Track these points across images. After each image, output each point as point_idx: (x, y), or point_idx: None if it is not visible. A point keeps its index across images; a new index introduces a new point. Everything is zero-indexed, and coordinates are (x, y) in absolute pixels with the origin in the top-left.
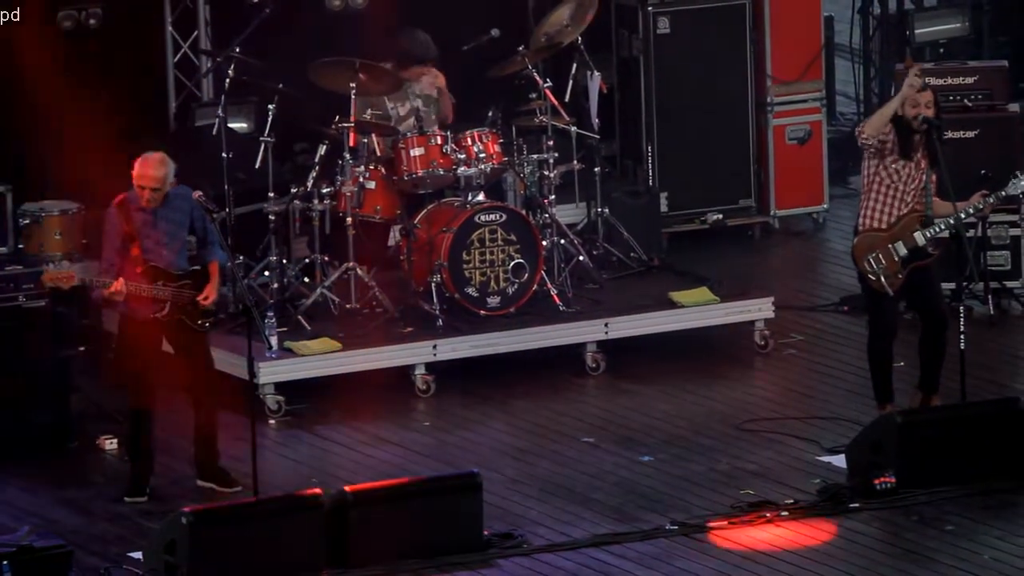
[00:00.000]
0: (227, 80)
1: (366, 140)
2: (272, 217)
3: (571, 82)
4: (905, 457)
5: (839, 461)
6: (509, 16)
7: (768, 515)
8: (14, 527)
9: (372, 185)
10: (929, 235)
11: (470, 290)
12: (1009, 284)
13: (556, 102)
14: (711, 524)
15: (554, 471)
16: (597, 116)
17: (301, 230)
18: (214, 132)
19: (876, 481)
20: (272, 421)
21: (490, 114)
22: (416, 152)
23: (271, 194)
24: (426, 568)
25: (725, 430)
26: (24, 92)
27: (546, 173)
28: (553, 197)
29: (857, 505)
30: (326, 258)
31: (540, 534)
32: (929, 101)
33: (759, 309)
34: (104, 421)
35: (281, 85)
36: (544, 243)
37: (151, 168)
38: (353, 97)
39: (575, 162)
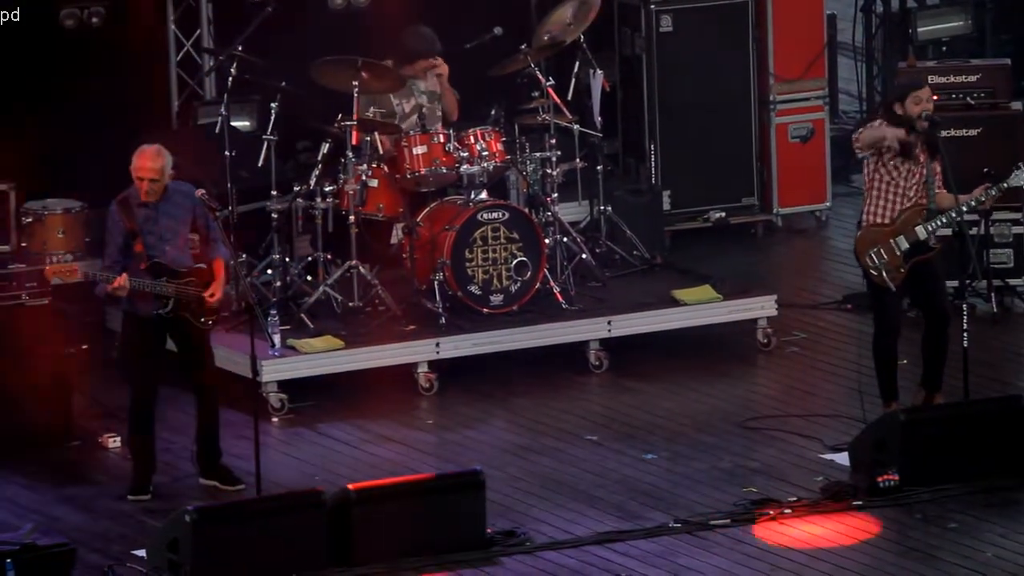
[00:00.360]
0: (230, 78)
1: (369, 138)
2: (275, 215)
3: (574, 80)
4: (908, 455)
5: (842, 459)
6: (511, 14)
7: (771, 512)
8: (17, 525)
9: (375, 183)
10: (931, 228)
11: (473, 288)
12: (1012, 282)
13: (559, 100)
14: (714, 522)
15: (557, 469)
16: (600, 114)
17: (304, 228)
18: (217, 130)
19: (879, 479)
20: (275, 419)
21: (493, 112)
22: (419, 150)
23: (274, 192)
24: (429, 566)
25: (728, 428)
26: (26, 90)
27: (549, 171)
28: (556, 195)
29: (860, 503)
30: (329, 256)
31: (543, 532)
32: (930, 96)
33: (762, 307)
34: (107, 419)
35: (284, 83)
36: (547, 241)
37: (148, 159)
38: (356, 95)
39: (578, 160)
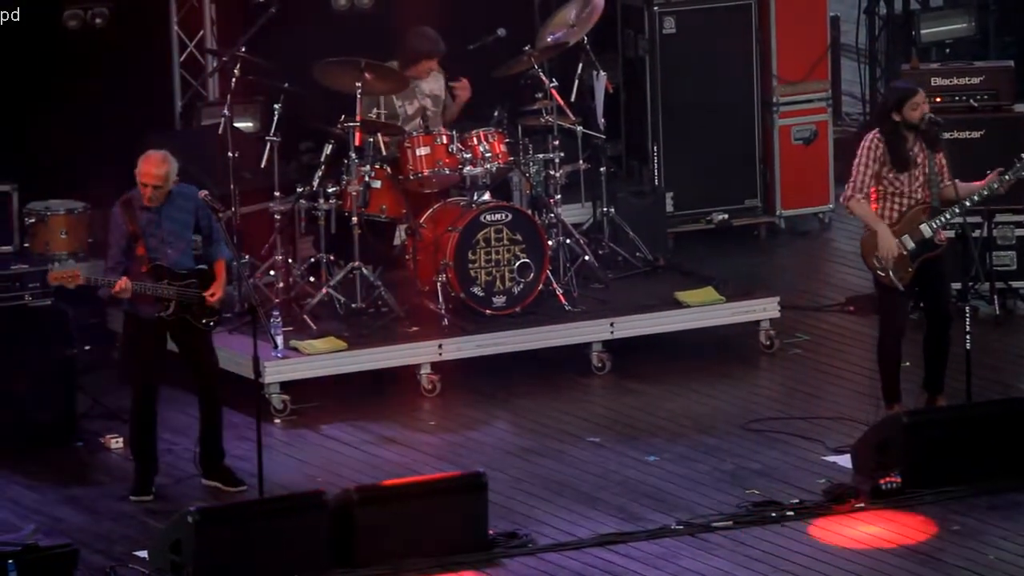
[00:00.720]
0: (233, 79)
1: (372, 139)
2: (278, 216)
3: (577, 82)
4: (911, 457)
5: (844, 461)
6: (515, 16)
7: (775, 515)
8: (19, 526)
9: (378, 184)
10: (935, 225)
11: (476, 289)
12: (1015, 284)
13: (562, 102)
14: (716, 524)
15: (559, 471)
16: (603, 116)
17: (307, 229)
18: (220, 131)
19: (882, 481)
20: (277, 420)
21: (496, 114)
22: (422, 151)
23: (277, 193)
24: (431, 568)
25: (730, 430)
26: (29, 90)
27: (552, 173)
28: (559, 197)
29: (862, 505)
30: (331, 257)
31: (545, 534)
32: (924, 98)
33: (764, 309)
34: (109, 420)
35: (287, 84)
36: (550, 243)
37: (153, 166)
38: (359, 96)
39: (581, 162)
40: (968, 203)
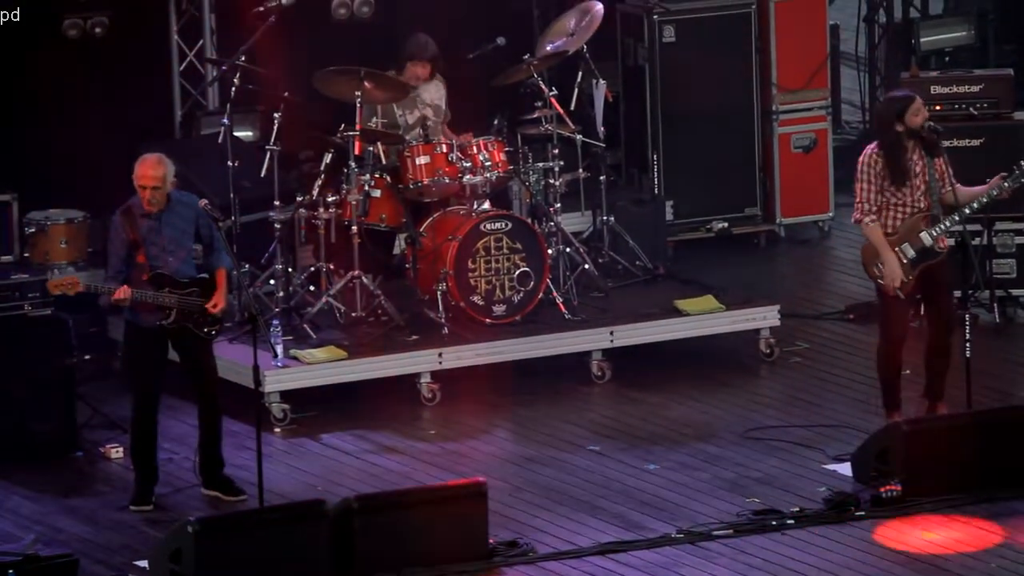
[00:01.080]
0: (232, 89)
1: (372, 148)
2: (278, 225)
3: (576, 90)
4: (911, 465)
5: (844, 469)
6: (514, 25)
7: (775, 523)
8: (19, 536)
9: (377, 193)
10: (935, 233)
11: (475, 298)
12: (1015, 292)
13: (562, 110)
14: (716, 532)
15: (560, 479)
16: (602, 124)
17: (307, 238)
18: (219, 141)
19: (882, 489)
20: (277, 429)
21: (495, 122)
22: (422, 160)
23: (276, 202)
24: None
25: (731, 438)
26: (29, 101)
27: (551, 181)
28: (559, 205)
29: (863, 513)
30: (331, 266)
31: (545, 542)
32: (922, 103)
33: (764, 317)
34: (109, 430)
35: (286, 94)
36: (550, 251)
37: (150, 168)
38: (359, 105)
39: (580, 170)
40: (969, 210)
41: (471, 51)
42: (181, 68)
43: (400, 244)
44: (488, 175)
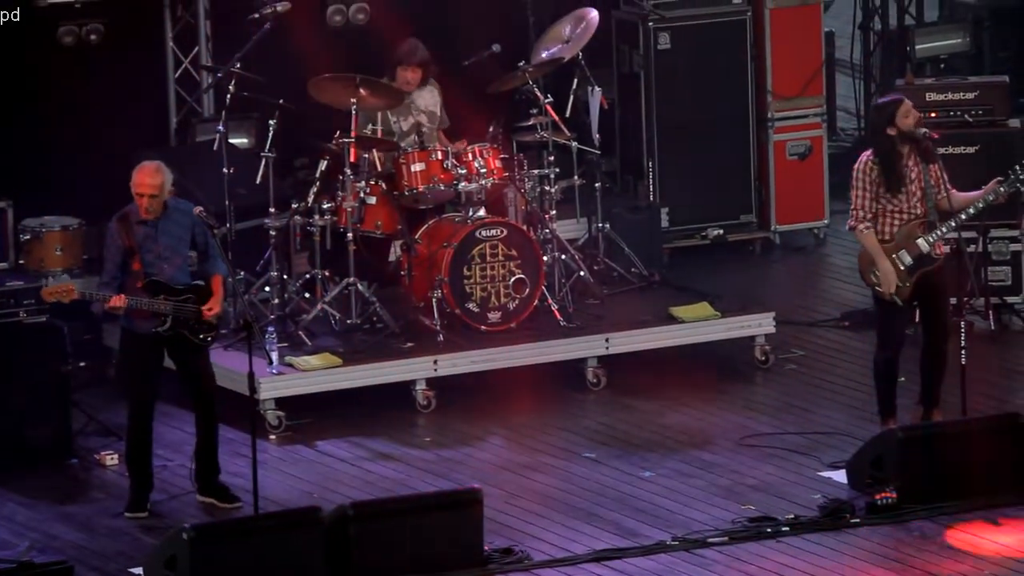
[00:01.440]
0: (228, 95)
1: (367, 155)
2: (273, 232)
3: (572, 97)
4: (906, 472)
5: (840, 476)
6: (510, 32)
7: (771, 530)
8: (14, 543)
9: (373, 200)
10: (932, 240)
11: (471, 305)
12: (1010, 299)
13: (557, 117)
14: (711, 540)
15: (555, 486)
16: (598, 131)
17: (302, 245)
18: (215, 148)
19: (877, 496)
20: (273, 436)
21: (491, 129)
22: (417, 167)
23: (272, 209)
24: None
25: (726, 445)
26: (24, 107)
27: (547, 188)
28: (554, 212)
29: (858, 520)
30: (327, 273)
31: (541, 549)
32: (911, 105)
33: (760, 324)
34: (104, 437)
35: (281, 101)
36: (545, 258)
37: (147, 175)
38: (354, 112)
39: (576, 177)
40: (964, 215)
41: (466, 58)
42: (176, 75)
43: (395, 251)
44: (483, 182)
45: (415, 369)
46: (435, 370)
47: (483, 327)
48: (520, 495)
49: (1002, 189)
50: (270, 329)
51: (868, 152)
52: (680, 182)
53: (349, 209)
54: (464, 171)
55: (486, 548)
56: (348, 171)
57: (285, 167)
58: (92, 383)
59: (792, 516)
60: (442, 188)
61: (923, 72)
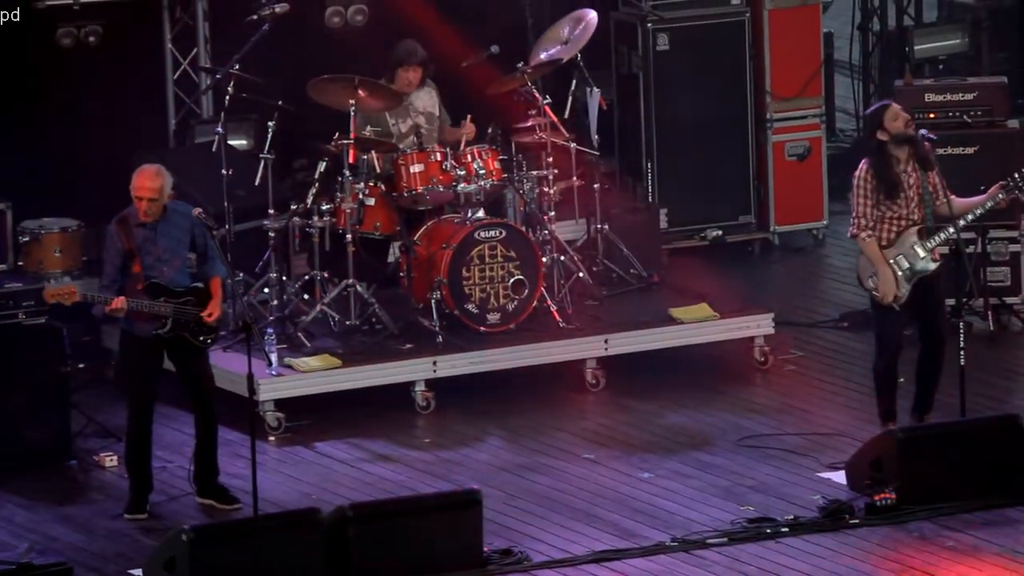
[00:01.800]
0: (227, 97)
1: (366, 157)
2: (272, 234)
3: (570, 99)
4: (905, 473)
5: (839, 477)
6: (508, 33)
7: (770, 531)
8: (13, 544)
9: (372, 202)
10: (930, 246)
11: (470, 306)
12: (1009, 300)
13: (556, 119)
14: (711, 540)
15: (554, 487)
16: (596, 133)
17: (301, 247)
18: (214, 149)
19: (876, 497)
20: (272, 438)
21: (490, 131)
22: (416, 169)
23: (271, 211)
24: None
25: (725, 446)
26: (23, 109)
27: (546, 189)
28: (553, 213)
29: (857, 521)
30: (326, 275)
31: (540, 550)
32: (899, 108)
33: (759, 325)
34: (103, 438)
35: (280, 102)
36: (544, 259)
37: (147, 179)
38: (353, 114)
39: (575, 179)
40: (964, 221)
41: (465, 59)
42: (175, 77)
43: (394, 252)
44: (482, 183)
45: (414, 370)
46: (434, 371)
47: (482, 328)
48: (519, 496)
49: (1000, 196)
50: (269, 330)
51: (866, 160)
52: (679, 183)
53: (348, 210)
54: (463, 172)
55: (485, 549)
56: (347, 172)
57: (284, 168)
58: (91, 384)
59: (791, 517)
60: (441, 189)
61: (922, 73)
